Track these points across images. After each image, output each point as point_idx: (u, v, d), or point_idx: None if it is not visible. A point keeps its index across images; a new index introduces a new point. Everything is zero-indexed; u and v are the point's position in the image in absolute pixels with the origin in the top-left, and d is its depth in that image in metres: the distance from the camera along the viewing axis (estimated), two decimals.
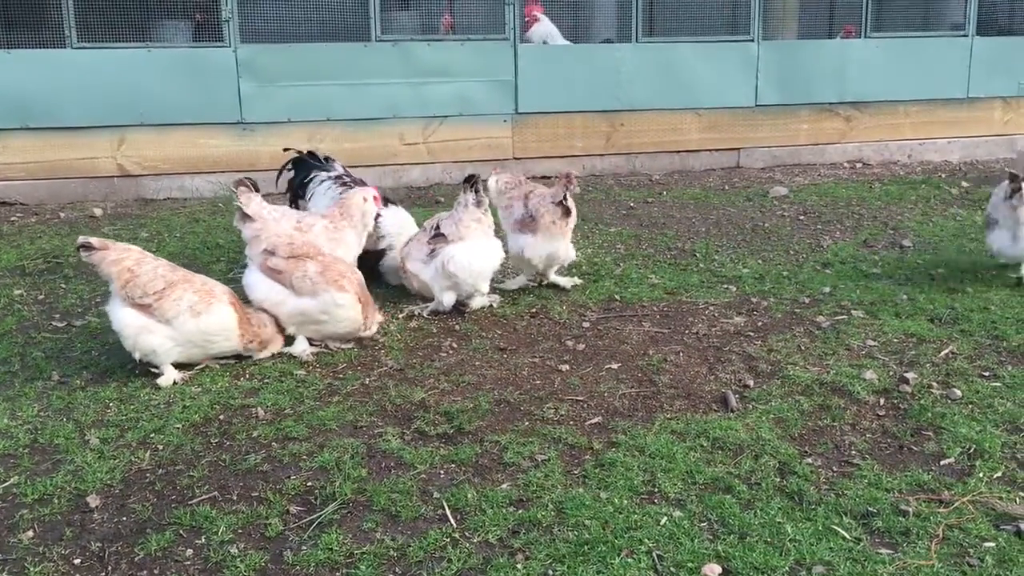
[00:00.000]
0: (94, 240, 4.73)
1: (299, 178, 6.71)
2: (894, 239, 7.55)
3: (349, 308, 5.10)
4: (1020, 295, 6.03)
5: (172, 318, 4.72)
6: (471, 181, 5.66)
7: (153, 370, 4.81)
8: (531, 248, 5.96)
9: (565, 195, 5.87)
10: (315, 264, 5.08)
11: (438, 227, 5.68)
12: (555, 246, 5.97)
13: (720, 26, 10.63)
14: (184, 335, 4.77)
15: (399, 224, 6.25)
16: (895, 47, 10.86)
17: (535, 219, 5.93)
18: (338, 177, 6.52)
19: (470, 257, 5.55)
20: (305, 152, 6.88)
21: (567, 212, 5.91)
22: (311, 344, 5.18)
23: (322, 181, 6.52)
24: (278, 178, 6.93)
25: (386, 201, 6.33)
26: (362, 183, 6.51)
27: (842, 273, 6.59)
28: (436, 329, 5.53)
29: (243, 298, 5.14)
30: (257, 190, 5.43)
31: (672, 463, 3.91)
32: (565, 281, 6.24)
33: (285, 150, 6.97)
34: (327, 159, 6.81)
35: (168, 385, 4.74)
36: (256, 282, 5.15)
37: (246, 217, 5.25)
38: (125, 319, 4.70)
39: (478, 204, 5.64)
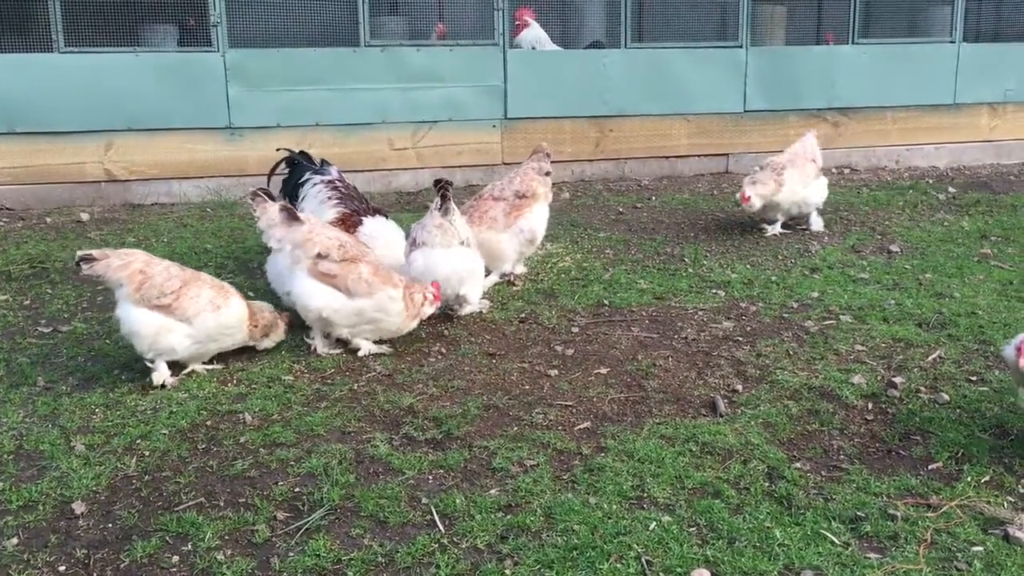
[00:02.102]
0: (94, 251, 4.71)
1: (293, 180, 6.68)
2: (882, 244, 7.57)
3: (399, 302, 5.17)
4: (1007, 299, 6.07)
5: (193, 315, 4.76)
6: (438, 186, 5.53)
7: (150, 365, 4.81)
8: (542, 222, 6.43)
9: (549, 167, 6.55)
10: (366, 265, 5.15)
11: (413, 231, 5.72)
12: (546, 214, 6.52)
13: (709, 32, 10.66)
14: (204, 331, 4.83)
15: (372, 236, 6.09)
16: (882, 53, 10.91)
17: (532, 195, 6.35)
18: (330, 182, 6.48)
19: (427, 263, 5.48)
20: (297, 152, 6.86)
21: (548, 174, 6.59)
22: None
23: (315, 184, 6.47)
24: (269, 179, 6.94)
25: (374, 211, 6.29)
26: (354, 191, 6.49)
27: (830, 278, 6.61)
28: (425, 334, 5.52)
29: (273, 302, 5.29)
30: (273, 199, 5.44)
31: (661, 468, 3.91)
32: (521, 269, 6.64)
33: (278, 150, 6.97)
34: (323, 162, 6.78)
35: (159, 383, 4.74)
36: (312, 290, 5.07)
37: (293, 220, 5.11)
38: (142, 320, 4.69)
39: (444, 212, 5.52)
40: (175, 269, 4.85)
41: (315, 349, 5.21)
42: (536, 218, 6.35)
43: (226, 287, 5.01)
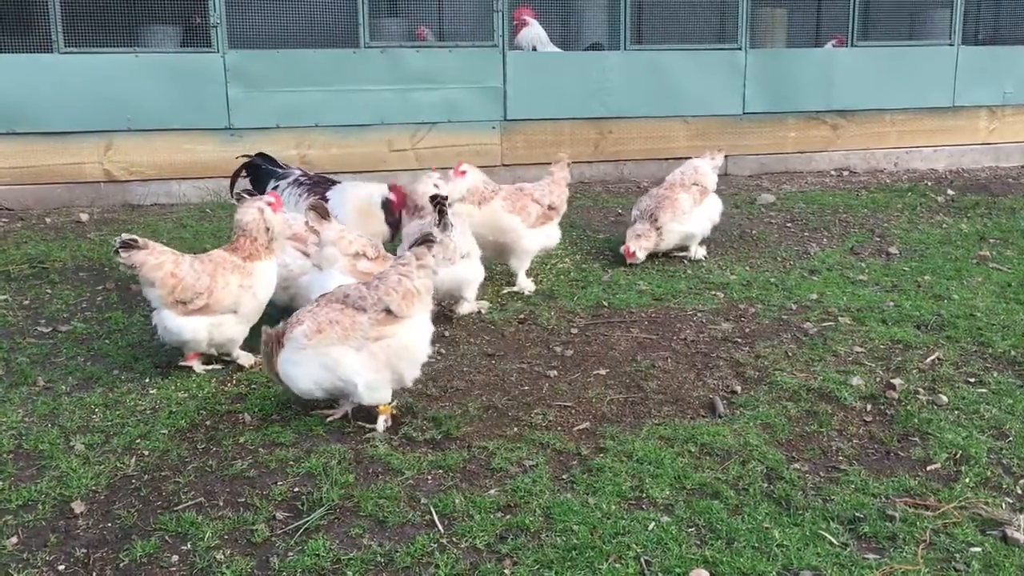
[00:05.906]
0: (138, 238, 4.68)
1: (259, 188, 6.55)
2: (880, 246, 7.58)
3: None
4: (1005, 302, 6.07)
5: (233, 302, 4.80)
6: (434, 202, 5.38)
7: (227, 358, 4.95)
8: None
9: None
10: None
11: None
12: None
13: (708, 34, 10.67)
14: (248, 313, 4.89)
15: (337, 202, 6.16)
16: (881, 56, 10.92)
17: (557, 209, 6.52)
18: (295, 180, 6.53)
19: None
20: (255, 154, 6.83)
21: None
22: None
23: (283, 190, 6.45)
24: (232, 186, 6.86)
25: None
26: (322, 179, 6.54)
27: (829, 280, 6.62)
28: None
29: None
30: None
31: (660, 469, 3.91)
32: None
33: (237, 157, 6.94)
34: (284, 166, 6.76)
35: (248, 364, 4.96)
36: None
37: (323, 217, 5.01)
38: (191, 328, 4.73)
39: (443, 228, 5.38)
40: (197, 264, 4.81)
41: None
42: (556, 229, 6.57)
43: (240, 263, 4.87)
